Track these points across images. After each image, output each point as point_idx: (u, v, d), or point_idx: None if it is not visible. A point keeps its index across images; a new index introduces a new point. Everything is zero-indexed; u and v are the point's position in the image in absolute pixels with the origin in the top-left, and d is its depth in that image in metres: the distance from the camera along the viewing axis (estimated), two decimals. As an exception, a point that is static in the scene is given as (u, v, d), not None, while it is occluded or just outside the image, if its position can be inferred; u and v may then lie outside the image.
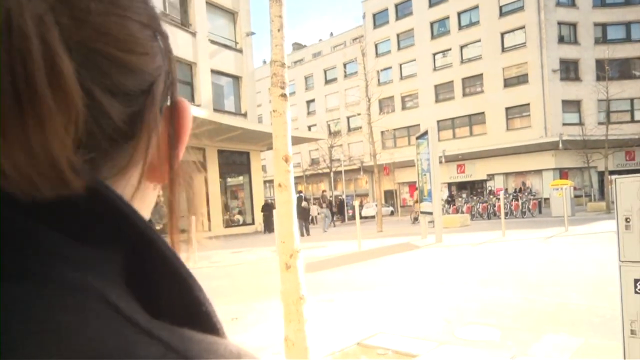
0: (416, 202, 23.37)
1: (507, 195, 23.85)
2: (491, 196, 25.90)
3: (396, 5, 40.75)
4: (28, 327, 0.23)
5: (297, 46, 56.49)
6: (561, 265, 7.72)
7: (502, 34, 34.28)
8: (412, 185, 30.62)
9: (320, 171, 41.53)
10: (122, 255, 0.30)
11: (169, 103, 0.38)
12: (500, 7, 34.36)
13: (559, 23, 32.26)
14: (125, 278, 0.30)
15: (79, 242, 0.29)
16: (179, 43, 19.13)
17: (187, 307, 0.32)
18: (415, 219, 21.86)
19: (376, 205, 22.25)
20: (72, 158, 0.26)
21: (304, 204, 19.33)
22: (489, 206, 24.03)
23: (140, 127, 0.33)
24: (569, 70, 32.58)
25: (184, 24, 20.54)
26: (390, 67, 40.94)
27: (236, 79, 23.52)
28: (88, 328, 0.25)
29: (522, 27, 33.11)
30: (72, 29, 0.27)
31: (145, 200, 0.38)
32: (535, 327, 4.35)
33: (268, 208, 20.63)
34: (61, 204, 0.28)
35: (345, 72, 45.42)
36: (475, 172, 35.40)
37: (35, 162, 0.25)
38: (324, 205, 23.73)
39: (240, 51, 23.58)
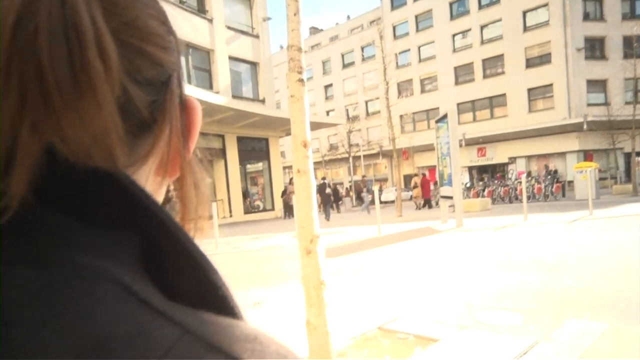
0: (414, 187, 23.60)
1: (530, 178, 23.45)
2: (512, 179, 25.51)
3: (414, -14, 40.06)
4: (44, 311, 0.24)
5: (314, 30, 56.12)
6: (585, 249, 7.59)
7: (524, 12, 33.43)
8: (431, 170, 30.39)
9: (339, 156, 41.47)
10: (137, 239, 0.31)
11: (180, 100, 0.39)
12: (522, -16, 33.45)
13: (585, -1, 31.32)
14: (141, 261, 0.31)
15: (92, 226, 0.29)
16: (196, 30, 19.17)
17: (203, 290, 0.32)
18: (437, 202, 21.68)
19: (395, 190, 22.16)
20: (120, 129, 0.28)
21: (327, 190, 20.42)
22: (510, 190, 23.68)
23: (162, 117, 0.35)
24: (594, 48, 31.66)
25: (201, 10, 20.54)
26: (408, 50, 40.40)
27: (254, 65, 23.52)
28: (103, 311, 0.25)
29: (545, 5, 32.22)
30: (111, 22, 0.29)
31: (158, 192, 0.39)
32: (558, 312, 4.31)
33: (287, 194, 20.75)
34: (74, 189, 0.29)
35: (363, 55, 44.98)
36: (497, 155, 34.91)
37: (89, 129, 0.27)
38: (364, 189, 24.48)
39: (257, 37, 23.52)
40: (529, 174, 25.57)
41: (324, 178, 22.93)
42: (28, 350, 0.23)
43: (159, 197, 0.40)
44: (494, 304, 4.71)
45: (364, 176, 30.05)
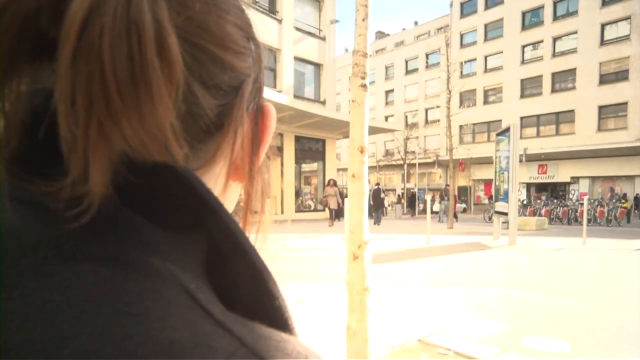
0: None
1: (592, 201, 22.34)
2: (573, 200, 24.40)
3: (486, -6, 39.07)
4: (113, 310, 0.25)
5: (380, 35, 55.96)
6: (647, 281, 7.21)
7: (603, 25, 31.76)
8: (487, 184, 29.54)
9: (394, 162, 41.14)
10: (204, 244, 0.31)
11: (255, 106, 0.40)
12: (604, -4, 31.79)
13: (672, 14, 29.38)
14: (204, 266, 0.31)
15: (162, 228, 0.30)
16: (266, 29, 19.65)
17: (261, 300, 0.33)
18: (490, 217, 21.13)
19: (448, 200, 21.78)
20: (175, 124, 0.29)
21: (382, 195, 21.60)
22: (570, 211, 22.67)
23: (228, 122, 0.35)
24: (677, 67, 29.65)
25: (272, 10, 21.04)
26: (474, 59, 39.44)
27: (317, 66, 23.79)
28: (166, 316, 0.26)
29: (627, 18, 30.45)
30: (181, 24, 0.29)
31: (228, 197, 0.40)
32: (610, 346, 4.16)
33: (340, 196, 20.89)
34: (146, 188, 0.30)
35: (427, 62, 44.39)
36: (558, 173, 33.41)
37: (146, 125, 0.27)
38: (445, 198, 24.40)
39: (323, 39, 23.78)
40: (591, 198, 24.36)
41: (377, 184, 23.57)
42: (94, 347, 0.24)
43: (230, 201, 0.41)
44: (542, 329, 4.60)
45: (447, 185, 29.62)
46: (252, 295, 0.33)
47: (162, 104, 0.27)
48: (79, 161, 0.27)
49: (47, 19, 0.27)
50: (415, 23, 52.86)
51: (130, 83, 0.26)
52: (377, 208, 20.44)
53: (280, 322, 0.33)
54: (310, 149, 23.58)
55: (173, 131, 0.29)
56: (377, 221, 19.94)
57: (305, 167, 24.61)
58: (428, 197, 13.63)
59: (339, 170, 30.84)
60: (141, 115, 0.27)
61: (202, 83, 0.32)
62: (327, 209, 19.44)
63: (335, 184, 18.86)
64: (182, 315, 0.27)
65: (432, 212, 18.57)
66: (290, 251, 10.30)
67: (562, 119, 33.88)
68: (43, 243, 0.27)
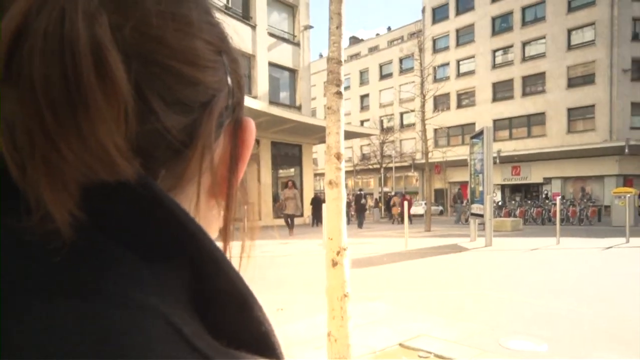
0: (393, 205, 24.43)
1: (565, 200, 22.87)
2: (547, 201, 24.97)
3: (457, 0, 39.75)
4: (89, 343, 0.24)
5: (354, 40, 56.36)
6: (620, 278, 7.39)
7: (569, 31, 32.69)
8: (463, 185, 29.96)
9: (370, 166, 41.38)
10: (186, 271, 0.30)
11: (232, 120, 0.38)
12: (569, 2, 32.77)
13: (634, 19, 30.37)
14: (189, 294, 0.30)
15: (139, 254, 0.29)
16: (239, 36, 19.62)
17: (247, 328, 0.32)
18: (466, 220, 21.42)
19: (425, 203, 22.00)
20: (120, 143, 0.27)
21: (362, 201, 22.63)
22: (543, 211, 23.15)
23: (196, 138, 0.33)
24: (641, 70, 30.67)
25: (245, 17, 20.98)
26: (447, 64, 40.07)
27: (292, 72, 23.82)
28: (149, 352, 0.25)
29: (592, 24, 31.43)
30: (132, 40, 0.28)
31: (208, 218, 0.38)
32: (587, 343, 4.23)
33: (317, 201, 20.90)
34: (121, 214, 0.29)
35: (401, 67, 44.89)
36: (531, 175, 34.14)
37: (87, 146, 0.26)
38: (458, 200, 25.96)
39: (297, 44, 23.83)
40: (562, 197, 24.97)
41: (360, 189, 26.00)
42: None
43: (207, 220, 0.38)
44: (520, 329, 4.65)
45: (460, 188, 29.81)
46: (238, 323, 0.32)
47: (103, 123, 0.26)
48: (35, 195, 0.26)
49: None
50: (389, 28, 53.44)
51: (67, 105, 0.25)
52: (359, 212, 21.89)
53: (268, 348, 0.33)
54: (287, 155, 23.56)
55: (118, 150, 0.27)
56: (360, 225, 21.06)
57: (283, 172, 24.55)
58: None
59: (316, 175, 30.85)
60: (82, 137, 0.26)
61: (162, 99, 0.30)
62: (284, 216, 16.70)
63: (294, 185, 17.02)
64: (166, 350, 0.26)
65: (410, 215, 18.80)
66: (269, 258, 10.22)
67: (534, 121, 34.67)
68: (21, 278, 0.26)
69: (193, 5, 0.33)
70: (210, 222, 0.39)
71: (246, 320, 0.32)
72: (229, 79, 0.37)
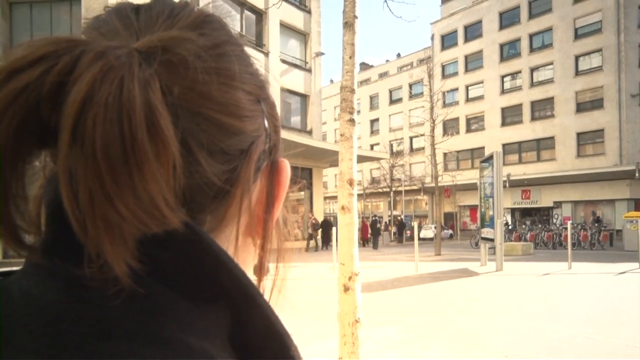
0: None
1: (576, 225, 22.73)
2: (557, 224, 24.79)
3: (465, 27, 40.31)
4: None
5: (364, 66, 57.03)
6: (635, 303, 7.35)
7: (577, 57, 32.96)
8: (473, 209, 29.87)
9: (380, 190, 41.41)
10: (228, 313, 0.32)
11: (269, 163, 0.40)
12: (576, 30, 33.10)
13: (641, 46, 30.60)
14: (227, 334, 0.32)
15: (188, 299, 0.31)
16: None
17: None
18: (477, 243, 21.35)
19: (435, 227, 21.95)
20: (169, 197, 0.29)
21: (378, 225, 25.33)
22: (554, 235, 23.00)
23: (235, 185, 0.35)
24: (649, 95, 30.72)
25: (259, 44, 21.47)
26: (456, 89, 40.40)
27: (304, 97, 24.18)
28: None
29: (599, 50, 31.70)
30: (181, 97, 0.30)
31: (244, 256, 0.41)
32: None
33: (326, 224, 20.96)
34: (172, 261, 0.31)
35: (410, 92, 45.30)
36: (542, 198, 33.98)
37: (140, 202, 0.27)
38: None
39: (309, 71, 24.26)
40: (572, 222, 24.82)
41: (375, 215, 29.22)
42: None
43: (243, 258, 0.41)
44: (533, 356, 4.68)
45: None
46: None
47: (155, 182, 0.28)
48: (95, 249, 0.28)
49: (47, 109, 0.27)
50: (398, 55, 54.06)
51: (124, 167, 0.27)
52: (374, 236, 24.55)
53: None
54: (298, 178, 23.73)
55: (167, 205, 0.29)
56: (375, 246, 23.86)
57: (292, 195, 24.60)
58: (415, 224, 13.77)
59: (326, 198, 30.94)
60: (136, 197, 0.27)
61: (206, 150, 0.32)
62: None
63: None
64: None
65: (420, 238, 18.80)
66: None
67: (543, 145, 34.69)
68: (83, 320, 0.28)
69: (235, 58, 0.35)
70: (246, 259, 0.41)
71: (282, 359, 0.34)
72: (266, 124, 0.38)
